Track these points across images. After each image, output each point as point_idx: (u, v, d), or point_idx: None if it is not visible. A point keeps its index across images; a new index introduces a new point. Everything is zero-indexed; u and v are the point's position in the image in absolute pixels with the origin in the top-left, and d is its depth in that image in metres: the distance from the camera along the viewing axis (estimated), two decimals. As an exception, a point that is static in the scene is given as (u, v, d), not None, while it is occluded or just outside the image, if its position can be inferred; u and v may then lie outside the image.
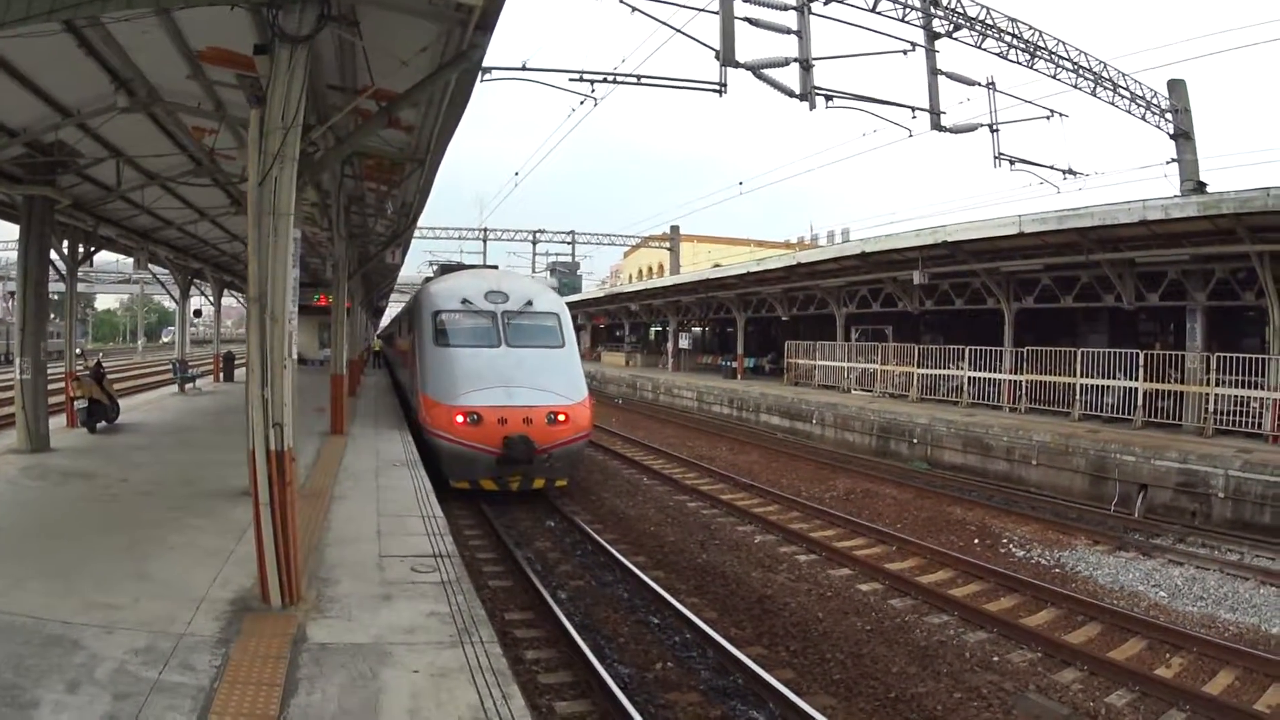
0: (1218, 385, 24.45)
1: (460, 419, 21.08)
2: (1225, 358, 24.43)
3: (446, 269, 34.39)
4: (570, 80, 27.61)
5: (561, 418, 21.68)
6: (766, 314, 50.90)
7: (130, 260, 30.69)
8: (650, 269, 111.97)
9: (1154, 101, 37.44)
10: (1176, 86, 37.76)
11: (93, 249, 25.44)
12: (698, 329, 73.98)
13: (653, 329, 79.87)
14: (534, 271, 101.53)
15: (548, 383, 22.26)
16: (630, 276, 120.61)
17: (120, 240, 26.79)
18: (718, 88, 25.86)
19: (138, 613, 9.14)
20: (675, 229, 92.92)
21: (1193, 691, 11.15)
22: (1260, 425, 23.27)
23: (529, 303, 24.17)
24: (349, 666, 8.12)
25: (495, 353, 22.84)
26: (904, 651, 12.78)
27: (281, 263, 9.22)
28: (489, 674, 8.12)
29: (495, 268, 38.66)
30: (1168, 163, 37.89)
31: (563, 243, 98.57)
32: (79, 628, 8.58)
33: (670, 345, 64.31)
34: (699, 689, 11.18)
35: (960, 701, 11.03)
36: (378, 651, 8.53)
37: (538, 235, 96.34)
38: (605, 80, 27.70)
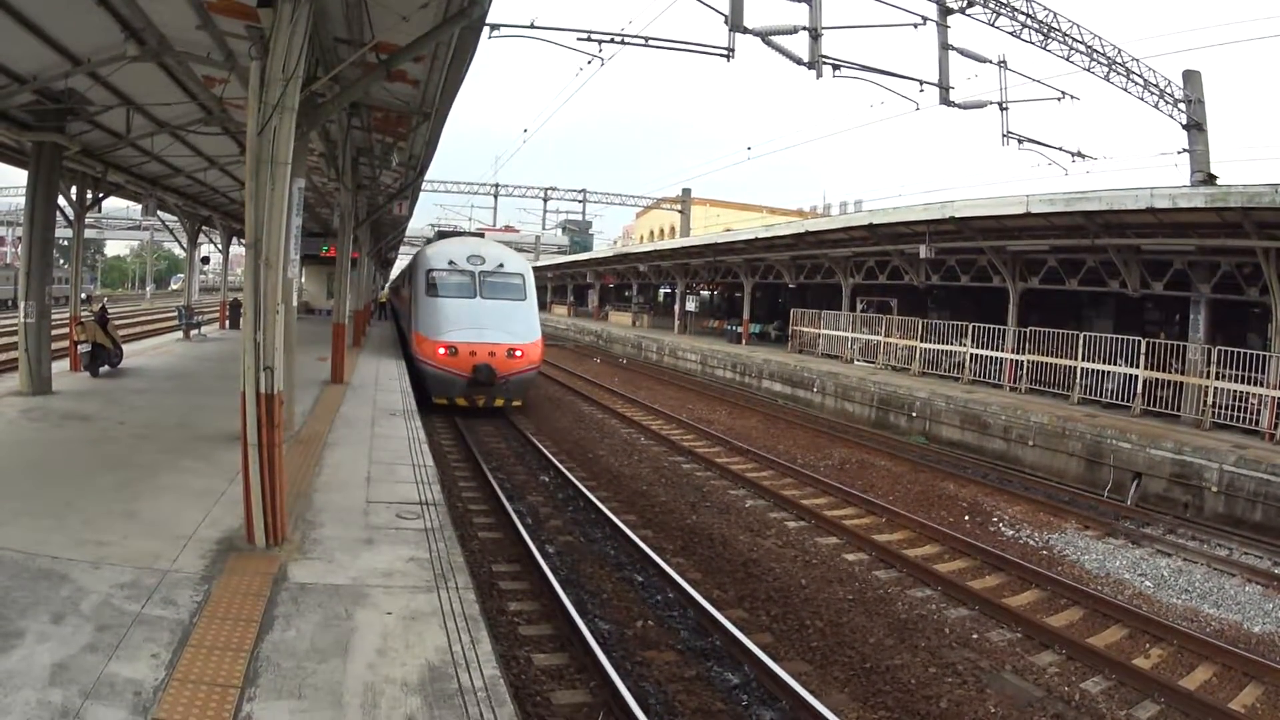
0: (1218, 378, 24.29)
1: (442, 351, 28.16)
2: (1227, 351, 24.22)
3: (443, 234, 42.31)
4: (578, 40, 27.57)
5: (518, 353, 28.81)
6: (774, 280, 50.67)
7: (140, 206, 30.72)
8: (662, 230, 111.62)
9: (1167, 90, 37.21)
10: (1191, 77, 37.53)
11: (101, 195, 25.58)
12: (705, 292, 73.81)
13: (661, 290, 79.75)
14: (544, 228, 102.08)
15: (509, 326, 29.38)
16: (641, 237, 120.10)
17: (129, 186, 26.82)
18: (726, 53, 25.84)
19: (126, 549, 9.33)
20: (686, 191, 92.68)
21: (1169, 684, 11.10)
22: (1258, 421, 23.08)
23: (501, 265, 31.48)
24: (325, 606, 8.32)
25: (472, 302, 30.00)
26: (884, 623, 12.86)
27: (279, 210, 9.34)
28: (460, 619, 8.30)
29: (481, 235, 44.17)
30: (1179, 152, 37.72)
31: (574, 201, 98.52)
32: (67, 563, 8.78)
33: (677, 308, 64.22)
34: (677, 648, 11.31)
35: (935, 676, 11.10)
36: (354, 593, 8.74)
37: (549, 193, 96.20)
38: (612, 40, 27.63)
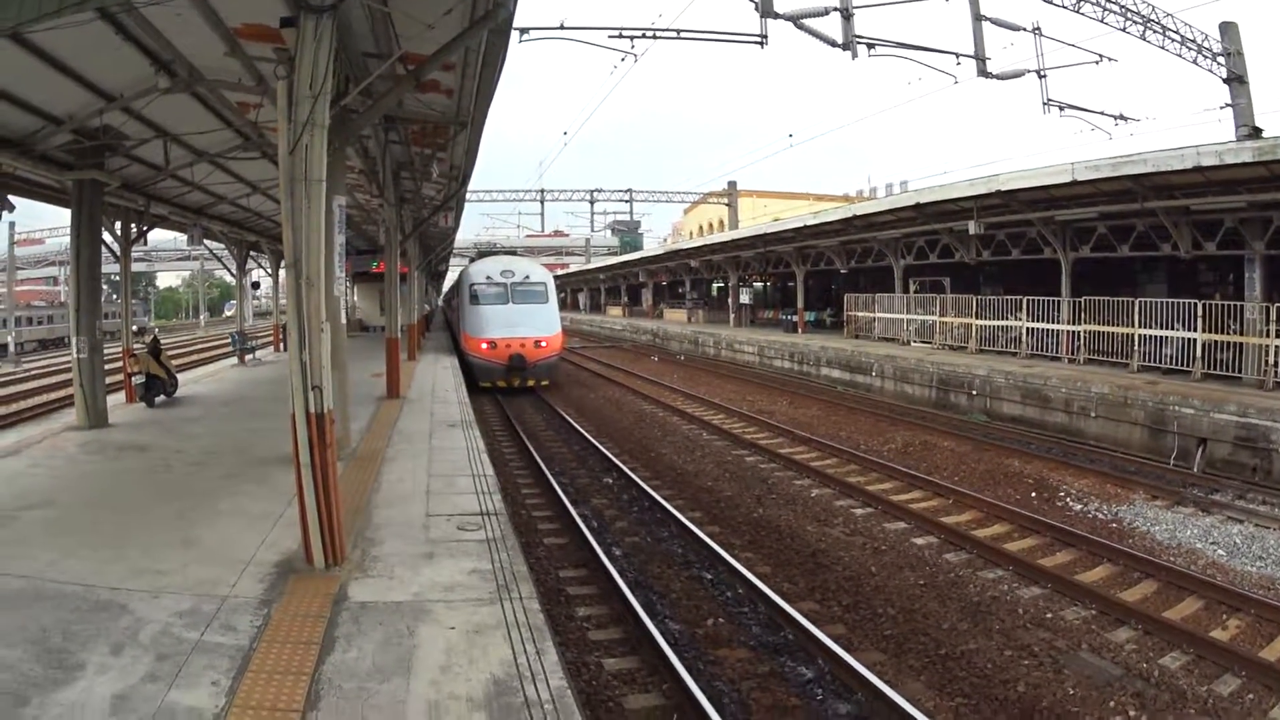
0: (1279, 337, 23.87)
1: (485, 346, 36.32)
2: (1286, 308, 23.69)
3: (482, 254, 50.01)
4: (609, 38, 27.61)
5: (543, 344, 36.85)
6: (825, 267, 50.59)
7: (186, 236, 31.13)
8: (711, 225, 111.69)
9: (1205, 45, 36.79)
10: (1229, 29, 37.06)
11: (145, 228, 25.83)
12: (758, 284, 73.67)
13: (714, 285, 79.60)
14: (593, 230, 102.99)
15: (535, 323, 37.29)
16: (691, 233, 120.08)
17: (173, 218, 27.11)
18: (759, 40, 25.73)
19: (184, 577, 9.36)
20: (732, 185, 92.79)
21: (1249, 657, 10.76)
22: (1323, 377, 22.59)
23: (527, 276, 39.78)
24: (387, 624, 8.26)
25: (505, 307, 37.71)
26: (956, 607, 12.64)
27: (316, 229, 9.32)
28: (525, 629, 8.21)
29: (514, 253, 52.40)
30: (1222, 108, 37.26)
31: (621, 201, 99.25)
32: (126, 593, 8.83)
33: (731, 301, 64.07)
34: (749, 645, 11.17)
35: (1011, 659, 10.89)
36: (416, 609, 8.67)
37: (595, 195, 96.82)
38: (644, 36, 27.60)
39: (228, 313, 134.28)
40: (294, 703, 6.73)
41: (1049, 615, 12.30)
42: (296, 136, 9.18)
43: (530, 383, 36.79)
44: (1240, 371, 24.58)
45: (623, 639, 11.25)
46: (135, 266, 27.39)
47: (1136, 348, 27.96)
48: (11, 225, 59.01)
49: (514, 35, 14.33)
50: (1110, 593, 13.01)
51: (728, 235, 64.20)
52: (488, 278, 39.37)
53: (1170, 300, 27.48)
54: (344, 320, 17.04)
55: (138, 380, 22.79)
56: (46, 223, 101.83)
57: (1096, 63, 33.81)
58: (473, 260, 48.39)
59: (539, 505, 17.98)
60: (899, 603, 12.77)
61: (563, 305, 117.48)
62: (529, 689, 7.11)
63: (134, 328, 26.23)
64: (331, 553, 9.67)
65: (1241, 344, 24.68)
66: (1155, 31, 35.74)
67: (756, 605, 12.42)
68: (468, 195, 38.75)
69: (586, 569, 13.93)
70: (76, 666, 7.16)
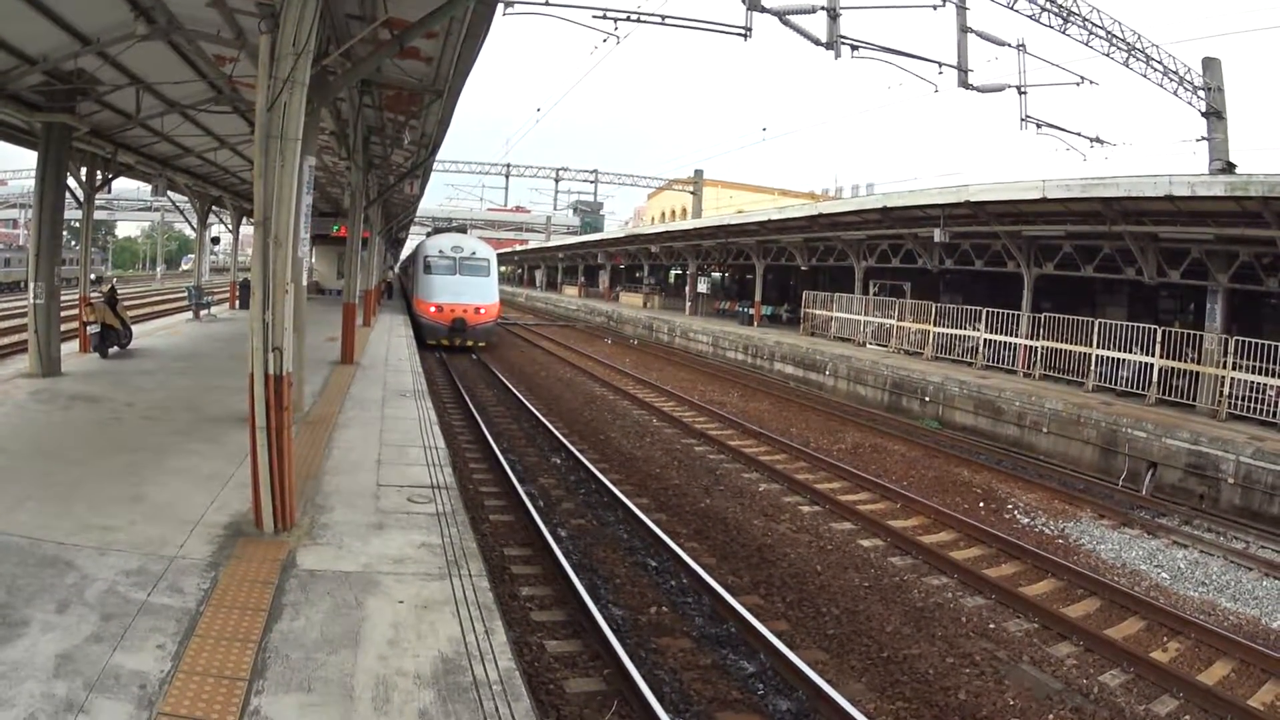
0: (1235, 369, 23.86)
1: (433, 309, 42.72)
2: (1244, 342, 23.75)
3: (438, 230, 58.67)
4: (594, 17, 27.46)
5: (482, 311, 43.48)
6: (786, 263, 50.70)
7: (150, 187, 30.80)
8: (674, 212, 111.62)
9: (1187, 77, 37.00)
10: (1211, 65, 37.28)
11: (111, 175, 25.49)
12: (717, 274, 73.61)
13: (672, 272, 79.50)
14: (555, 208, 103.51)
15: (477, 294, 43.99)
16: (653, 219, 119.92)
17: (139, 167, 26.87)
18: (743, 32, 25.73)
19: (132, 535, 9.25)
20: (699, 173, 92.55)
21: (1187, 679, 10.88)
22: (1275, 414, 22.70)
23: (474, 253, 46.04)
24: (335, 594, 8.20)
25: (453, 278, 44.11)
26: (900, 611, 12.69)
27: (288, 188, 9.24)
28: (474, 608, 8.19)
29: (464, 230, 56.90)
30: (1198, 140, 37.46)
31: (586, 181, 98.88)
32: (73, 549, 8.71)
33: (689, 289, 64.02)
34: (691, 635, 11.16)
35: (952, 667, 10.93)
36: (365, 580, 8.63)
37: (560, 173, 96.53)
38: (629, 18, 27.46)
39: (185, 266, 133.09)
40: (240, 670, 6.66)
41: (992, 625, 12.38)
42: (276, 93, 9.10)
43: (470, 343, 42.95)
44: (1194, 400, 24.72)
45: (565, 621, 11.22)
46: (96, 214, 27.06)
47: (1093, 367, 28.08)
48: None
49: (498, 7, 14.21)
50: (1053, 607, 13.10)
51: (691, 223, 64.11)
52: (440, 251, 45.68)
53: (1130, 324, 27.62)
54: (304, 282, 16.92)
55: (93, 330, 22.56)
56: (9, 164, 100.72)
57: (1078, 84, 33.99)
58: (429, 235, 55.82)
59: (486, 481, 17.91)
60: (843, 603, 12.81)
61: (520, 282, 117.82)
62: (478, 669, 7.08)
63: (92, 276, 25.93)
64: (282, 518, 9.60)
65: (1198, 373, 24.80)
66: (1139, 60, 35.89)
67: (700, 596, 12.43)
68: (434, 164, 38.53)
69: (532, 549, 13.90)
70: (21, 623, 7.06)
